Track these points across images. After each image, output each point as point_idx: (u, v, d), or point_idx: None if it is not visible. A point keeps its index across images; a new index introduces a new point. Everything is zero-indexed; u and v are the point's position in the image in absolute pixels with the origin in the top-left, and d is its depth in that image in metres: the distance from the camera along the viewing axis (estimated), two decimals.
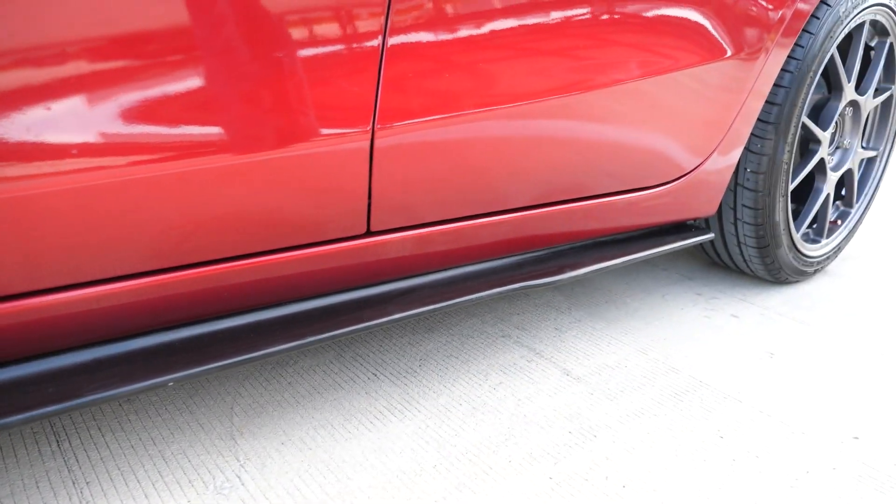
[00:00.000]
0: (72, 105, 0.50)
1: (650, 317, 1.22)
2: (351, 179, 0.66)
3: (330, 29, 0.60)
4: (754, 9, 1.02)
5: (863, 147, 1.50)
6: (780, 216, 1.25)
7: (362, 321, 0.74)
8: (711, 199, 1.16)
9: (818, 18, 1.15)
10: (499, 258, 0.92)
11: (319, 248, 0.68)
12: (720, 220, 1.28)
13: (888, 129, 1.52)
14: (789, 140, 1.18)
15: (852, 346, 1.17)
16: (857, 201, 1.53)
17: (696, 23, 0.96)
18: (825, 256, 1.47)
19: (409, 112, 0.68)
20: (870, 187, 1.55)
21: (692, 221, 1.22)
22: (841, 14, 1.18)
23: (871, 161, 1.55)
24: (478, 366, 1.00)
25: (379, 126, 0.65)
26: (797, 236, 1.35)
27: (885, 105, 1.50)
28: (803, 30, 1.14)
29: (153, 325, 0.63)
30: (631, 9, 0.86)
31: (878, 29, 1.37)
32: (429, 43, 0.67)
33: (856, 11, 1.22)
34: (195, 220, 0.59)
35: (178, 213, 0.58)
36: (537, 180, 0.87)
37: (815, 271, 1.47)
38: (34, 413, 0.53)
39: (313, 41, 0.59)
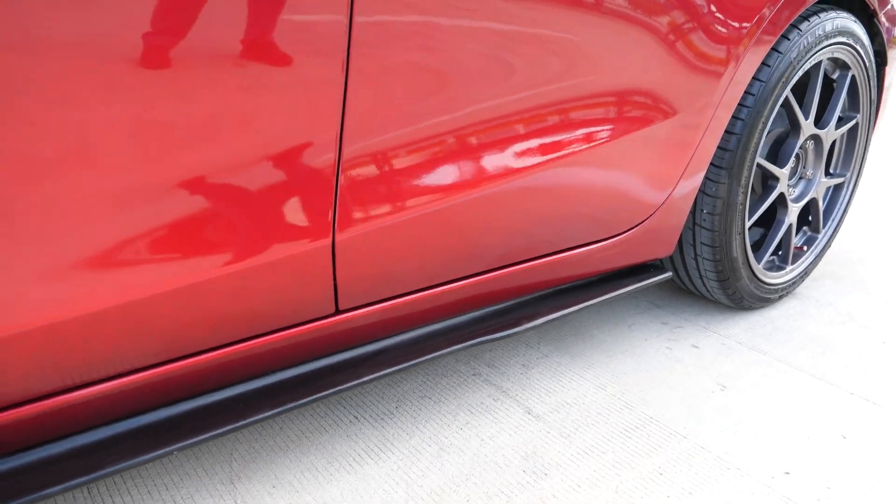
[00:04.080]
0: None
1: (614, 349, 1.37)
2: (316, 273, 0.81)
3: (288, 150, 0.75)
4: (704, 64, 1.15)
5: (828, 176, 1.63)
6: (737, 252, 1.39)
7: (336, 385, 0.90)
8: (667, 241, 1.31)
9: (769, 66, 1.28)
10: (461, 315, 1.07)
11: (295, 330, 0.84)
12: (682, 255, 1.43)
13: (854, 155, 1.65)
14: (742, 183, 1.32)
15: (803, 375, 1.31)
16: (824, 227, 1.67)
17: (646, 90, 1.09)
18: (791, 281, 1.61)
19: (366, 212, 0.83)
20: (837, 212, 1.68)
21: (650, 262, 1.37)
22: (793, 58, 1.31)
23: (838, 187, 1.68)
24: (448, 406, 1.16)
25: (339, 228, 0.80)
26: (759, 267, 1.49)
27: (852, 132, 1.63)
28: (754, 77, 1.27)
29: (159, 404, 0.79)
30: (581, 83, 1.00)
31: (840, 63, 1.50)
32: (382, 151, 0.82)
33: (810, 54, 1.35)
34: (197, 319, 0.74)
35: (180, 313, 0.73)
36: (497, 249, 1.02)
37: (782, 296, 1.61)
38: (68, 484, 0.69)
39: (272, 163, 0.74)
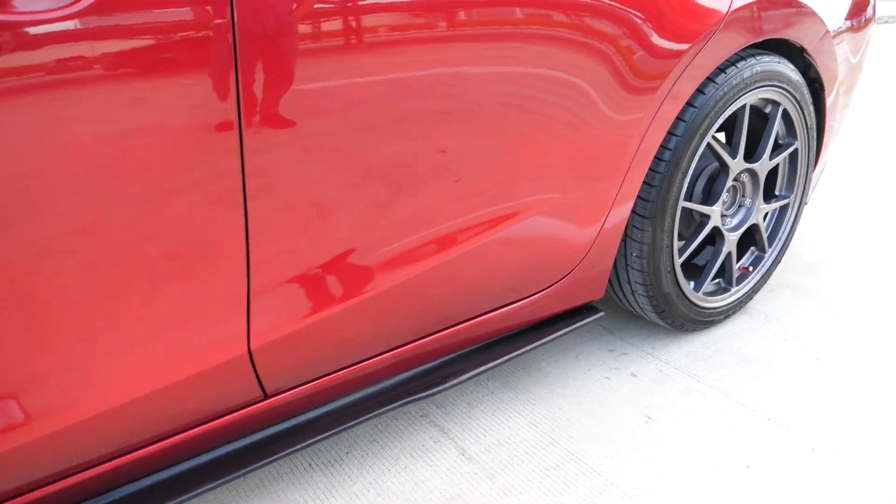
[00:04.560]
0: None
1: (557, 382, 1.51)
2: (239, 373, 0.97)
3: (202, 282, 0.90)
4: (619, 131, 1.24)
5: (771, 200, 1.71)
6: (669, 288, 1.50)
7: (272, 454, 1.06)
8: (596, 287, 1.42)
9: (685, 121, 1.37)
10: (392, 378, 1.22)
11: (228, 417, 1.01)
12: (621, 289, 1.54)
13: (797, 178, 1.72)
14: (666, 228, 1.42)
15: (729, 401, 1.43)
16: (770, 247, 1.75)
17: (556, 164, 1.20)
18: (737, 301, 1.71)
19: (275, 323, 0.98)
20: (784, 231, 1.76)
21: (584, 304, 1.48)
22: (709, 110, 1.39)
23: (784, 207, 1.75)
24: (392, 450, 1.32)
25: (252, 340, 0.96)
26: (698, 295, 1.59)
27: (793, 157, 1.70)
28: (669, 132, 1.36)
29: (112, 485, 0.97)
30: (494, 166, 1.11)
31: (770, 100, 1.56)
32: (288, 270, 0.96)
33: (731, 101, 1.42)
34: (143, 421, 0.92)
35: (131, 420, 0.91)
36: (416, 324, 1.16)
37: (728, 316, 1.71)
38: None
39: (190, 291, 0.90)
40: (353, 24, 0.89)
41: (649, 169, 1.37)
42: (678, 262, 1.50)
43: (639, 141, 1.27)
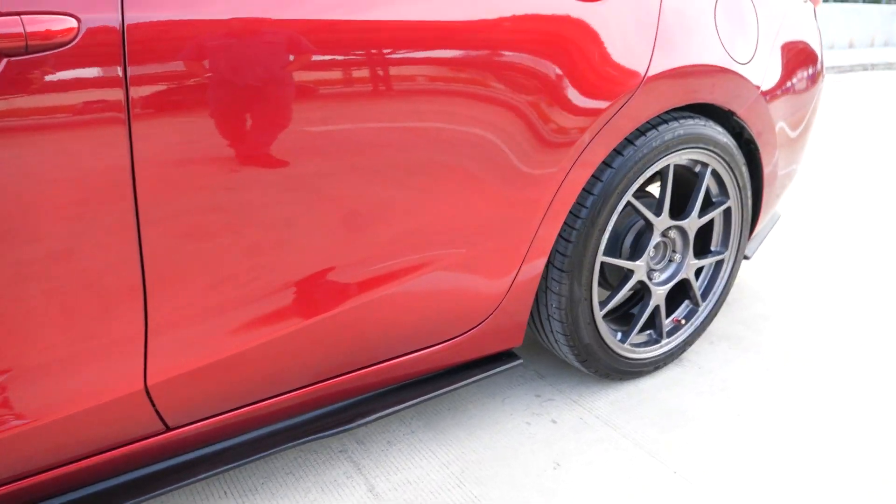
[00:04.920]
0: None
1: (478, 425, 1.56)
2: (137, 407, 1.05)
3: (99, 330, 0.99)
4: (529, 188, 1.31)
5: (706, 255, 1.76)
6: (589, 339, 1.55)
7: (174, 482, 1.14)
8: (512, 336, 1.48)
9: (601, 181, 1.44)
10: (302, 415, 1.29)
11: (131, 447, 1.08)
12: (546, 337, 1.60)
13: (732, 235, 1.77)
14: (583, 282, 1.48)
15: (640, 452, 1.47)
16: (704, 301, 1.80)
17: (464, 219, 1.27)
18: (668, 353, 1.75)
19: (172, 364, 1.06)
20: (718, 287, 1.81)
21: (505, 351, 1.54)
22: (627, 172, 1.45)
23: (720, 262, 1.80)
24: (305, 483, 1.39)
25: (149, 379, 1.04)
26: (624, 346, 1.64)
27: (727, 214, 1.75)
28: (585, 191, 1.43)
29: None
30: (402, 216, 1.19)
31: (699, 161, 1.62)
32: (185, 314, 1.05)
33: (651, 163, 1.48)
34: (48, 447, 1.00)
35: (37, 448, 0.99)
36: (320, 366, 1.23)
37: (658, 367, 1.76)
38: None
39: (89, 335, 0.98)
40: (242, 82, 0.98)
41: (565, 224, 1.44)
42: (599, 314, 1.55)
43: (550, 198, 1.34)
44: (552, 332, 1.56)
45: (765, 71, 1.66)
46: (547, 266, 1.47)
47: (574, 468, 1.43)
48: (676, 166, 1.62)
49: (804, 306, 2.18)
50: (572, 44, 1.27)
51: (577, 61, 1.28)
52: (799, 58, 1.83)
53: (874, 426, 1.57)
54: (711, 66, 1.50)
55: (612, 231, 1.63)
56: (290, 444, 1.24)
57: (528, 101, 1.24)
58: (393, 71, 1.09)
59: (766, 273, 2.45)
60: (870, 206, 3.29)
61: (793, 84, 1.80)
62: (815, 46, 1.92)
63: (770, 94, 1.69)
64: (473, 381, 1.45)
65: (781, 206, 3.28)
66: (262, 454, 1.21)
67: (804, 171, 3.96)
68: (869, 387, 1.73)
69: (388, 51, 1.08)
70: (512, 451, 1.48)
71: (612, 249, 1.63)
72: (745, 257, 1.96)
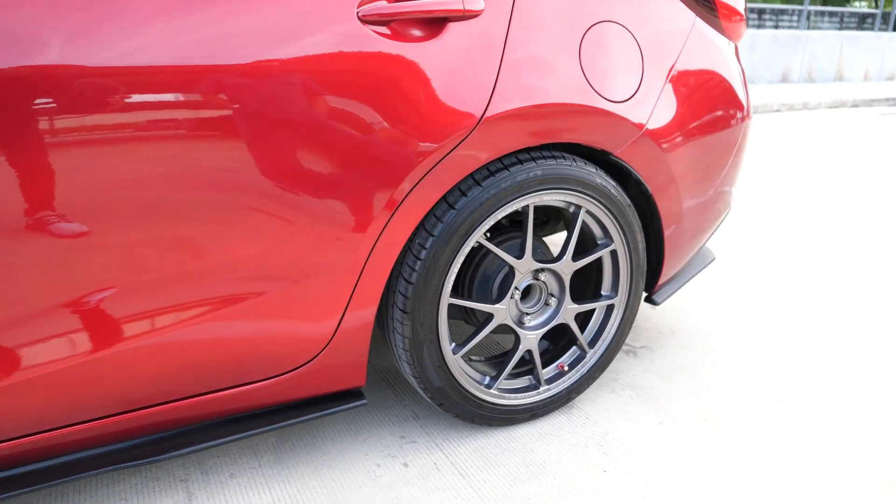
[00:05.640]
0: None
1: (328, 463, 1.54)
2: None
3: None
4: (344, 230, 1.29)
5: (592, 300, 1.68)
6: (441, 383, 1.51)
7: None
8: (352, 375, 1.45)
9: (442, 222, 1.40)
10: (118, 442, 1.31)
11: None
12: (406, 380, 1.56)
13: (621, 279, 1.68)
14: (425, 323, 1.44)
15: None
16: (591, 347, 1.71)
17: (274, 258, 1.27)
18: (549, 400, 1.68)
19: None
20: (609, 332, 1.72)
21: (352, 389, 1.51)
22: (471, 212, 1.40)
23: (610, 307, 1.71)
24: None
25: None
26: (490, 392, 1.59)
27: (615, 258, 1.67)
28: (427, 231, 1.39)
29: None
30: (219, 249, 1.20)
31: (571, 203, 1.55)
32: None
33: (503, 204, 1.43)
34: None
35: None
36: (128, 395, 1.25)
37: (536, 415, 1.68)
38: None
39: None
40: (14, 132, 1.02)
41: (406, 265, 1.41)
42: (451, 356, 1.51)
43: (372, 240, 1.32)
44: (405, 373, 1.52)
45: (651, 110, 1.58)
46: (392, 307, 1.45)
47: None
48: (554, 208, 1.56)
49: (730, 361, 2.04)
50: (393, 86, 1.25)
51: (398, 104, 1.26)
52: (707, 96, 1.73)
53: None
54: (570, 104, 1.44)
55: (481, 273, 1.59)
56: (102, 470, 1.26)
57: (336, 144, 1.23)
58: (184, 115, 1.11)
59: (703, 320, 2.31)
60: (819, 251, 3.06)
61: (700, 124, 1.71)
62: (734, 85, 1.82)
63: (662, 134, 1.61)
64: (304, 420, 1.42)
65: (729, 248, 3.09)
66: (73, 477, 1.24)
67: (756, 214, 3.73)
68: (768, 469, 1.60)
69: (184, 95, 1.10)
70: (348, 493, 1.45)
71: (482, 291, 1.59)
72: (654, 303, 1.86)
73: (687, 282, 1.95)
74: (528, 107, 1.39)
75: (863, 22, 18.54)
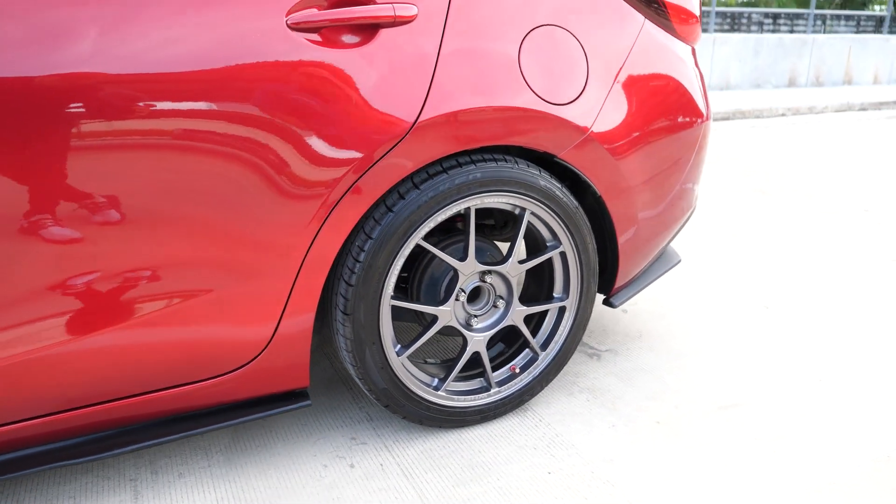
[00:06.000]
0: None
1: (276, 464, 1.56)
2: None
3: None
4: (277, 232, 1.30)
5: (537, 303, 1.69)
6: (386, 384, 1.52)
7: None
8: (294, 376, 1.47)
9: (380, 224, 1.41)
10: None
11: None
12: (355, 381, 1.58)
13: (571, 281, 1.68)
14: (366, 325, 1.45)
15: None
16: (543, 350, 1.71)
17: (208, 260, 1.30)
18: (500, 402, 1.68)
19: None
20: (561, 335, 1.72)
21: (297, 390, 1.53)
22: (409, 214, 1.41)
23: (563, 309, 1.72)
24: None
25: None
26: (438, 394, 1.60)
27: (564, 260, 1.67)
28: (364, 233, 1.41)
29: None
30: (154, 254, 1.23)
31: (517, 205, 1.56)
32: None
33: (443, 206, 1.44)
34: None
35: None
36: (86, 389, 1.28)
37: (487, 417, 1.68)
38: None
39: None
40: None
41: (345, 267, 1.43)
42: (395, 358, 1.52)
43: (306, 245, 1.34)
44: (352, 375, 1.54)
45: (597, 113, 1.59)
46: (335, 308, 1.47)
47: None
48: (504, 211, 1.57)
49: (694, 365, 2.03)
50: (324, 92, 1.28)
51: (329, 109, 1.28)
52: (659, 100, 1.73)
53: None
54: (507, 108, 1.45)
55: (429, 276, 1.60)
56: (36, 469, 1.29)
57: (265, 150, 1.25)
58: (110, 126, 1.14)
59: (673, 323, 2.29)
60: (803, 254, 3.02)
61: (652, 128, 1.71)
62: (688, 87, 1.81)
63: (611, 138, 1.61)
64: (246, 420, 1.44)
65: (710, 251, 3.07)
66: (14, 474, 1.27)
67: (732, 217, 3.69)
68: (714, 478, 1.59)
69: (112, 103, 1.13)
70: (291, 493, 1.46)
71: (430, 294, 1.60)
72: (611, 305, 1.85)
73: (648, 284, 1.95)
74: (461, 111, 1.40)
75: (880, 25, 18.30)
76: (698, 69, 1.92)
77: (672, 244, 2.85)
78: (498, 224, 1.94)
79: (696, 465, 1.55)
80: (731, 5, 22.69)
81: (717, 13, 15.10)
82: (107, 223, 1.18)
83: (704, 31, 10.56)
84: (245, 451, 1.61)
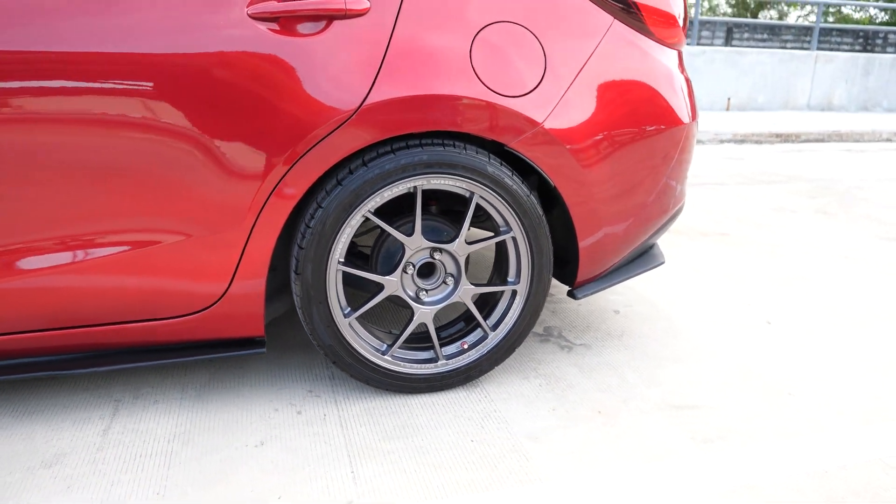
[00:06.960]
0: None
1: (237, 404, 1.75)
2: None
3: None
4: (228, 199, 1.49)
5: (487, 284, 1.77)
6: (331, 342, 1.67)
7: None
8: (250, 325, 1.65)
9: (329, 195, 1.57)
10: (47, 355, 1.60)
11: None
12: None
13: (521, 266, 1.76)
14: (316, 285, 1.61)
15: (342, 456, 1.55)
16: (493, 329, 1.80)
17: (167, 211, 1.51)
18: (448, 374, 1.79)
19: None
20: (511, 317, 1.80)
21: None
22: (356, 188, 1.55)
23: (514, 293, 1.79)
24: (65, 413, 1.68)
25: None
26: (384, 358, 1.73)
27: (515, 245, 1.75)
28: (316, 203, 1.57)
29: None
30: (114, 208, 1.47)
31: (467, 189, 1.66)
32: None
33: (388, 183, 1.57)
34: None
35: None
36: (67, 313, 1.53)
37: (435, 386, 1.79)
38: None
39: None
40: None
41: (300, 232, 1.60)
42: (341, 318, 1.67)
43: (258, 208, 1.52)
44: (304, 329, 1.70)
45: (551, 108, 1.65)
46: (290, 269, 1.64)
47: (272, 450, 1.56)
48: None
49: (662, 367, 2.02)
50: (278, 75, 1.46)
51: (280, 91, 1.46)
52: (628, 98, 1.77)
53: None
54: (452, 96, 1.56)
55: (385, 249, 1.74)
56: (17, 376, 1.55)
57: (219, 126, 1.44)
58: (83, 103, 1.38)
59: (659, 328, 2.27)
60: (820, 271, 2.82)
61: (618, 129, 1.74)
62: (662, 90, 1.83)
63: (569, 135, 1.67)
64: (202, 358, 1.64)
65: (726, 261, 2.94)
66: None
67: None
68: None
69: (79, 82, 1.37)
70: (238, 426, 1.65)
71: (386, 265, 1.74)
72: (574, 297, 1.90)
73: (620, 281, 1.97)
74: (405, 97, 1.53)
75: None
76: (684, 73, 1.93)
77: (674, 246, 2.79)
78: (483, 217, 2.04)
79: (619, 454, 1.58)
80: (849, 22, 20.95)
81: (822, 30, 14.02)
82: (85, 180, 1.43)
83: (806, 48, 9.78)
84: (215, 390, 1.81)
